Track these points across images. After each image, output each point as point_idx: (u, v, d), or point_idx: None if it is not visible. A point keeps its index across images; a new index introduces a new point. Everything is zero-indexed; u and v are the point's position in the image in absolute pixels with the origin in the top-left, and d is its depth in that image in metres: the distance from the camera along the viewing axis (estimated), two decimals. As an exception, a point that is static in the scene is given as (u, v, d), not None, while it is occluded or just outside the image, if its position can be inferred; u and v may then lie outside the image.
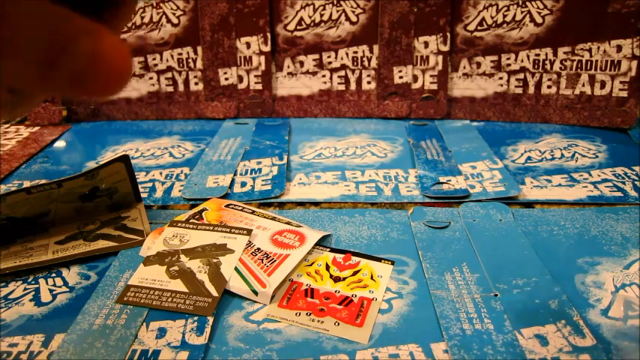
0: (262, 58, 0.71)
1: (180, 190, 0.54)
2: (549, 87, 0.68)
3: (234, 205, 0.49)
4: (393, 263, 0.42)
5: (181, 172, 0.58)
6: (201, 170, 0.58)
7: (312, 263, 0.42)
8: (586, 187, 0.53)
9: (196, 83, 0.73)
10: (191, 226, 0.45)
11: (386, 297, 0.38)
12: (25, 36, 0.15)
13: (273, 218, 0.46)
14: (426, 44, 0.68)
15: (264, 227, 0.45)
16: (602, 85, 0.65)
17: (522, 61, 0.67)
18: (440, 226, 0.46)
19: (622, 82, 0.64)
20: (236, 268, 0.40)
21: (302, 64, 0.72)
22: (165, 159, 0.62)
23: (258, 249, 0.42)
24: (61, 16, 0.15)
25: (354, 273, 0.40)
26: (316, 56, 0.71)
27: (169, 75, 0.73)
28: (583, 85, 0.66)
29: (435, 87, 0.70)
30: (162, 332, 0.35)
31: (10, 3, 0.14)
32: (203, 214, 0.47)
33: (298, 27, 0.70)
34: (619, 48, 0.63)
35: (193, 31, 0.71)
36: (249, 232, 0.44)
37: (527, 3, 0.66)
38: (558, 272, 0.40)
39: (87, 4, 0.17)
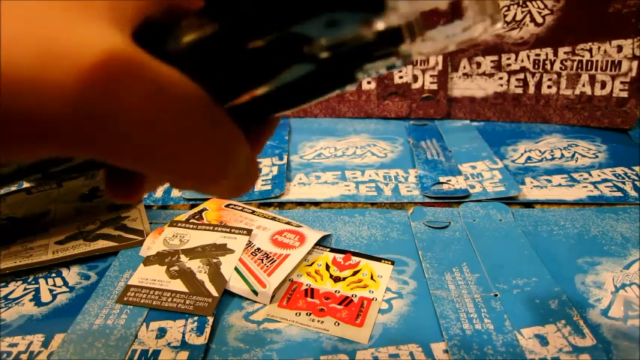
0: (262, 58, 0.71)
1: (180, 190, 0.54)
2: (549, 87, 0.68)
3: (234, 205, 0.49)
4: (393, 263, 0.42)
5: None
6: (201, 170, 0.58)
7: (312, 263, 0.42)
8: (586, 187, 0.53)
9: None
10: (191, 226, 0.45)
11: (386, 297, 0.38)
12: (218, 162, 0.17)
13: (273, 218, 0.46)
14: (426, 44, 0.68)
15: (264, 227, 0.45)
16: (603, 85, 0.65)
17: (522, 61, 0.67)
18: (440, 226, 0.46)
19: (622, 83, 0.64)
20: (236, 268, 0.40)
21: (302, 64, 0.72)
22: (165, 159, 0.62)
23: (258, 249, 0.42)
24: (238, 140, 0.18)
25: (354, 273, 0.40)
26: (316, 56, 0.71)
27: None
28: (583, 86, 0.66)
29: (435, 87, 0.70)
30: (162, 332, 0.35)
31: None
32: (203, 214, 0.47)
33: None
34: (619, 48, 0.63)
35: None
36: (249, 232, 0.44)
37: (528, 3, 0.65)
38: (558, 272, 0.40)
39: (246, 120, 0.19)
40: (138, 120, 0.14)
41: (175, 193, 0.54)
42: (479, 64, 0.69)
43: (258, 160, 0.60)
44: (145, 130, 0.15)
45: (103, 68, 0.13)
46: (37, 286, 0.40)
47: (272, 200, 0.52)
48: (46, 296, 0.39)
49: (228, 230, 0.44)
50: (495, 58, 0.68)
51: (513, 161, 0.59)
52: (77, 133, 0.14)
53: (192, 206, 0.50)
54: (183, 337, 0.35)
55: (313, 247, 0.43)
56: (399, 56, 0.16)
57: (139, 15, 0.15)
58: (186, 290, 0.38)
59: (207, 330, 0.35)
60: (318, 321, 0.36)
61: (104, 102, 0.14)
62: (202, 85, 0.16)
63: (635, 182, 0.53)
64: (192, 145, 0.16)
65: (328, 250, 0.43)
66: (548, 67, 0.67)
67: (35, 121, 0.13)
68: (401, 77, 0.70)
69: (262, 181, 0.55)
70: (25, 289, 0.40)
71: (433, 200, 0.51)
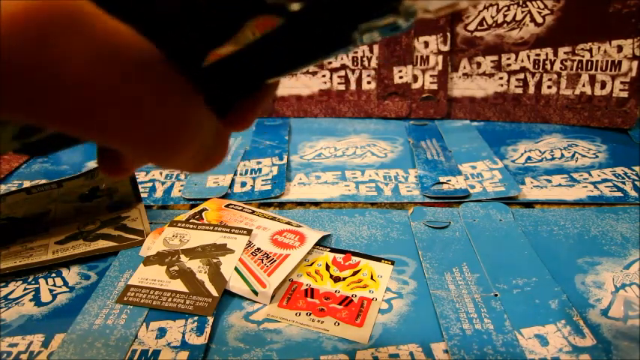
0: (262, 58, 0.71)
1: (180, 190, 0.54)
2: (549, 87, 0.68)
3: (234, 205, 0.49)
4: (393, 263, 0.42)
5: (181, 171, 0.58)
6: (201, 170, 0.58)
7: (312, 263, 0.42)
8: (586, 187, 0.53)
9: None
10: (191, 226, 0.45)
11: (386, 297, 0.38)
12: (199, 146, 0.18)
13: (273, 218, 0.46)
14: (426, 44, 0.68)
15: (264, 227, 0.45)
16: (603, 85, 0.65)
17: (522, 61, 0.67)
18: (440, 226, 0.46)
19: (622, 83, 0.64)
20: (236, 268, 0.40)
21: (302, 64, 0.71)
22: (165, 159, 0.62)
23: (258, 249, 0.42)
24: (216, 125, 0.18)
25: (354, 273, 0.40)
26: (316, 56, 0.71)
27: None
28: (583, 86, 0.66)
29: (435, 87, 0.70)
30: (162, 332, 0.35)
31: (199, 124, 0.17)
32: (203, 214, 0.47)
33: (298, 27, 0.70)
34: (619, 48, 0.63)
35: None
36: (249, 232, 0.44)
37: (528, 3, 0.65)
38: (558, 272, 0.40)
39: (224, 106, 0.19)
40: (79, 79, 0.13)
41: (175, 193, 0.54)
42: (479, 64, 0.69)
43: (259, 159, 0.60)
44: (87, 90, 0.13)
45: (34, 17, 0.12)
46: (37, 286, 0.40)
47: (272, 200, 0.52)
48: (46, 296, 0.39)
49: (228, 230, 0.44)
50: (495, 58, 0.68)
51: (513, 161, 0.59)
52: (13, 93, 0.13)
53: (192, 206, 0.50)
54: (183, 337, 0.35)
55: (313, 247, 0.43)
56: (401, 14, 0.14)
57: None
58: (186, 290, 0.38)
59: (207, 330, 0.35)
60: (318, 321, 0.36)
61: (38, 55, 0.12)
62: (162, 47, 0.14)
63: (635, 182, 0.53)
64: (141, 110, 0.15)
65: (328, 250, 0.43)
66: (548, 67, 0.67)
67: None
68: (401, 77, 0.70)
69: (262, 181, 0.55)
70: (25, 289, 0.40)
71: (433, 200, 0.51)
